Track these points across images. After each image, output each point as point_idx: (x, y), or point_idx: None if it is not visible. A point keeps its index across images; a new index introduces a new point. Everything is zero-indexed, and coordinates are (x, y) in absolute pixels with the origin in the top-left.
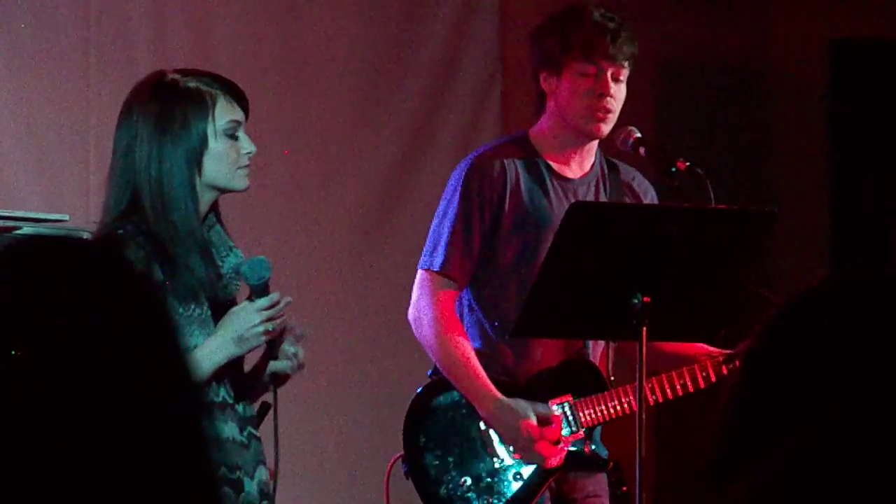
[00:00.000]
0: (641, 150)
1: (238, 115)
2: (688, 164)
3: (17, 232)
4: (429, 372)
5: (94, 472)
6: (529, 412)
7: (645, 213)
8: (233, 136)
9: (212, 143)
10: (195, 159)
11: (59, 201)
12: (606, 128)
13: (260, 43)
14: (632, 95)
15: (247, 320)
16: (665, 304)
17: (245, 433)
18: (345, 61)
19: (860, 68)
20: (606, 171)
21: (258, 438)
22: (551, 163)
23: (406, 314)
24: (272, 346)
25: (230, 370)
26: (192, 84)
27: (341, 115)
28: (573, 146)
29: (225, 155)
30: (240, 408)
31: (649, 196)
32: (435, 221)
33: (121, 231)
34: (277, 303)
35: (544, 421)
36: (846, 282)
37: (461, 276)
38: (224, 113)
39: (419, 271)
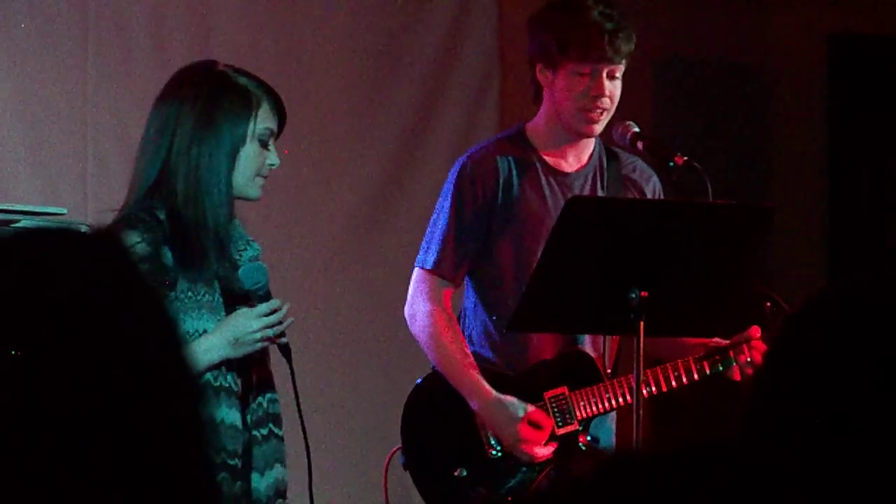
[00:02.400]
0: (639, 144)
1: (274, 124)
2: (685, 158)
3: (16, 225)
4: (432, 365)
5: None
6: (520, 413)
7: (642, 208)
8: (264, 145)
9: (248, 143)
10: (234, 154)
11: (57, 195)
12: (599, 127)
13: (258, 38)
14: (630, 90)
15: (245, 325)
16: (662, 299)
17: (265, 429)
18: (341, 59)
19: (858, 63)
20: (605, 163)
21: (279, 438)
22: (546, 157)
23: (401, 310)
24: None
25: (246, 363)
26: (243, 81)
27: (338, 114)
28: (568, 141)
29: (251, 160)
30: (265, 402)
31: (651, 184)
32: (431, 221)
33: (134, 214)
34: (277, 310)
35: (535, 422)
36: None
37: (454, 275)
38: (265, 118)
39: (415, 269)
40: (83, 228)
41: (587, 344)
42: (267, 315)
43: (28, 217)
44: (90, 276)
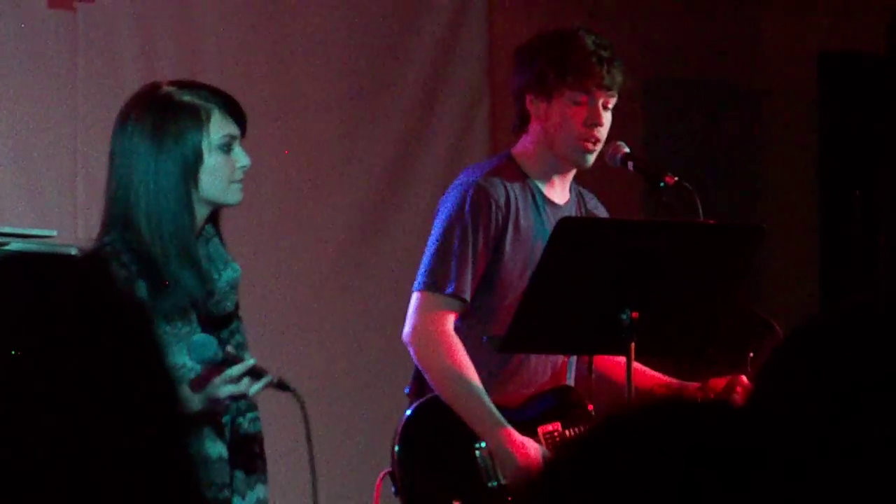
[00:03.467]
0: (630, 164)
1: (233, 129)
2: (676, 178)
3: (6, 248)
4: (406, 389)
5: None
6: (541, 456)
7: (633, 229)
8: (227, 151)
9: (206, 157)
10: (190, 174)
11: (47, 217)
12: (593, 158)
13: (247, 59)
14: (619, 110)
15: (212, 386)
16: (654, 319)
17: (245, 451)
18: (332, 75)
19: (849, 82)
20: (581, 199)
21: (262, 459)
22: (540, 187)
23: (394, 330)
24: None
25: None
26: (187, 98)
27: (329, 129)
28: (557, 172)
29: (219, 169)
30: (245, 422)
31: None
32: (435, 243)
33: (108, 247)
34: (239, 375)
35: None
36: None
37: (466, 300)
38: (219, 127)
39: (418, 294)
40: (73, 251)
41: (573, 381)
42: (232, 381)
43: (18, 240)
44: (78, 299)
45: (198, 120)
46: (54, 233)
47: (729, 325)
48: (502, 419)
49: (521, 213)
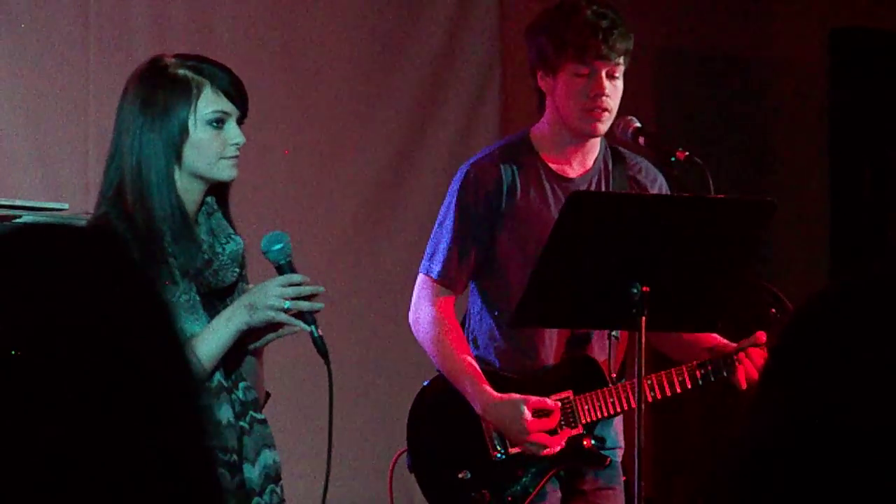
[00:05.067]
0: (641, 139)
1: (224, 105)
2: (687, 153)
3: (17, 220)
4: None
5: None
6: (521, 405)
7: (643, 203)
8: (217, 126)
9: (192, 131)
10: (173, 147)
11: (59, 190)
12: (604, 126)
13: (260, 34)
14: (631, 85)
15: (263, 290)
16: (664, 293)
17: (247, 418)
18: (342, 60)
19: (860, 58)
20: (611, 166)
21: (262, 422)
22: (550, 164)
23: (406, 311)
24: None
25: (226, 353)
26: (181, 71)
27: (339, 114)
28: (572, 144)
29: (206, 144)
30: (240, 393)
31: (657, 185)
32: (435, 227)
33: (103, 217)
34: (298, 284)
35: (539, 412)
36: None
37: (457, 284)
38: (208, 102)
39: (419, 275)
40: (84, 223)
41: (594, 348)
42: (285, 286)
43: (30, 212)
44: (90, 269)
45: (187, 93)
46: (66, 206)
47: (739, 299)
48: (487, 387)
49: (518, 191)
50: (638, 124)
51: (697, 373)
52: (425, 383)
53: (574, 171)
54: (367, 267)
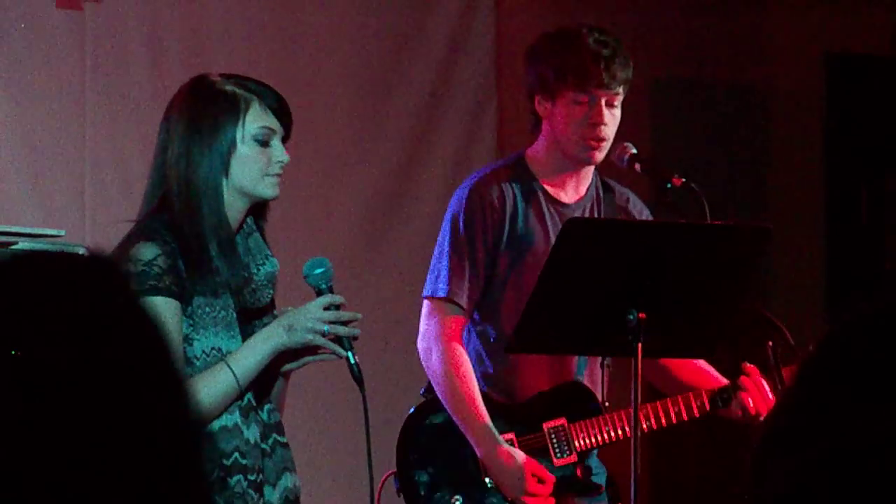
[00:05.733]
0: (637, 166)
1: (271, 122)
2: (683, 180)
3: (14, 247)
4: (421, 390)
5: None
6: (524, 471)
7: (640, 230)
8: (264, 144)
9: (239, 146)
10: (222, 161)
11: (55, 217)
12: (600, 155)
13: (255, 57)
14: (627, 111)
15: (303, 312)
16: (661, 320)
17: (270, 440)
18: (340, 77)
19: (855, 83)
20: (602, 194)
21: (284, 445)
22: (547, 187)
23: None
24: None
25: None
26: (229, 87)
27: (335, 135)
28: (568, 170)
29: (252, 160)
30: (264, 415)
31: (644, 216)
32: (436, 252)
33: (148, 226)
34: (338, 307)
35: (539, 477)
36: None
37: (466, 302)
38: (255, 118)
39: (425, 301)
40: (81, 251)
41: (585, 376)
42: (325, 309)
43: (26, 239)
44: (87, 298)
45: (235, 109)
46: (63, 232)
47: (736, 326)
48: (494, 432)
49: (520, 213)
50: (634, 150)
51: (693, 404)
52: (411, 411)
53: (569, 196)
54: (359, 289)
